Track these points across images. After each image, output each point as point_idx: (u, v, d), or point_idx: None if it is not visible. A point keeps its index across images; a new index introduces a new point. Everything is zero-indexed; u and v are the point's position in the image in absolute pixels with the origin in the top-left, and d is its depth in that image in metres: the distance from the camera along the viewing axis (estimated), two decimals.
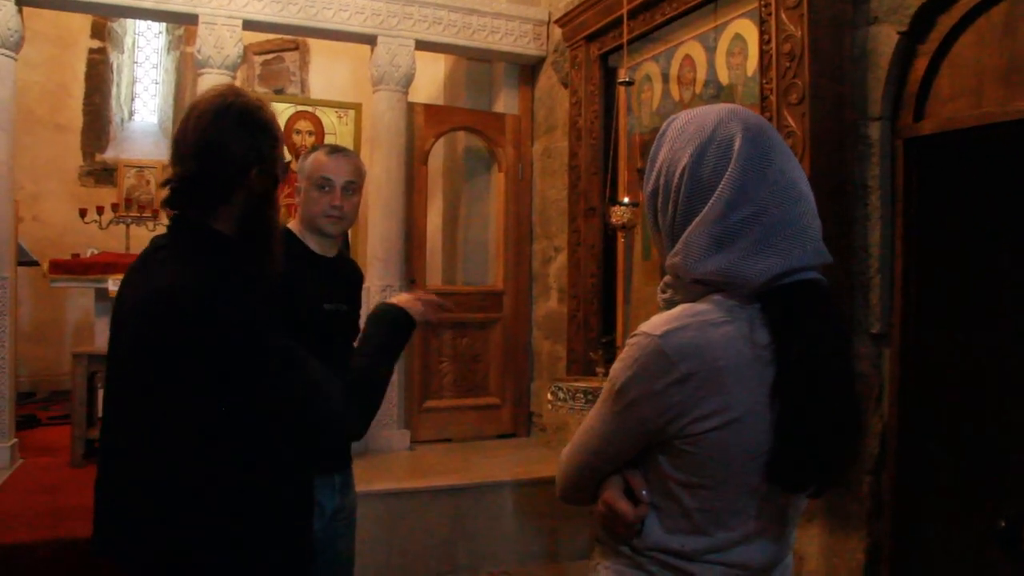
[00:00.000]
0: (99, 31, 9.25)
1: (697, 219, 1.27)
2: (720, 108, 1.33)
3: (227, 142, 1.70)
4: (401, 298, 2.06)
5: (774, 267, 1.22)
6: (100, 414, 5.27)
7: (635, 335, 1.27)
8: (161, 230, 1.85)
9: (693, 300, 1.28)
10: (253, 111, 1.75)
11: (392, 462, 5.05)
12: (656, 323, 1.25)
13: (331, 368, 2.33)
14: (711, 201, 1.25)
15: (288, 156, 5.15)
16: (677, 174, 1.30)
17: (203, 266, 1.67)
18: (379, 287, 5.29)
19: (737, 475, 1.23)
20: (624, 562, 1.34)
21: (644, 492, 1.30)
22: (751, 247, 1.23)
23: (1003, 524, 1.63)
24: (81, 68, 9.16)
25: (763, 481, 1.23)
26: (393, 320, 2.00)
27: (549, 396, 3.60)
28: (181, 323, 1.61)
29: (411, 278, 5.56)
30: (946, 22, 2.72)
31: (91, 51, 9.23)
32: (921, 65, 2.81)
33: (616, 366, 1.29)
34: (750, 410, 1.20)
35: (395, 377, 5.22)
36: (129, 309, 1.76)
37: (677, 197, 1.30)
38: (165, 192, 1.76)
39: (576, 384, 3.55)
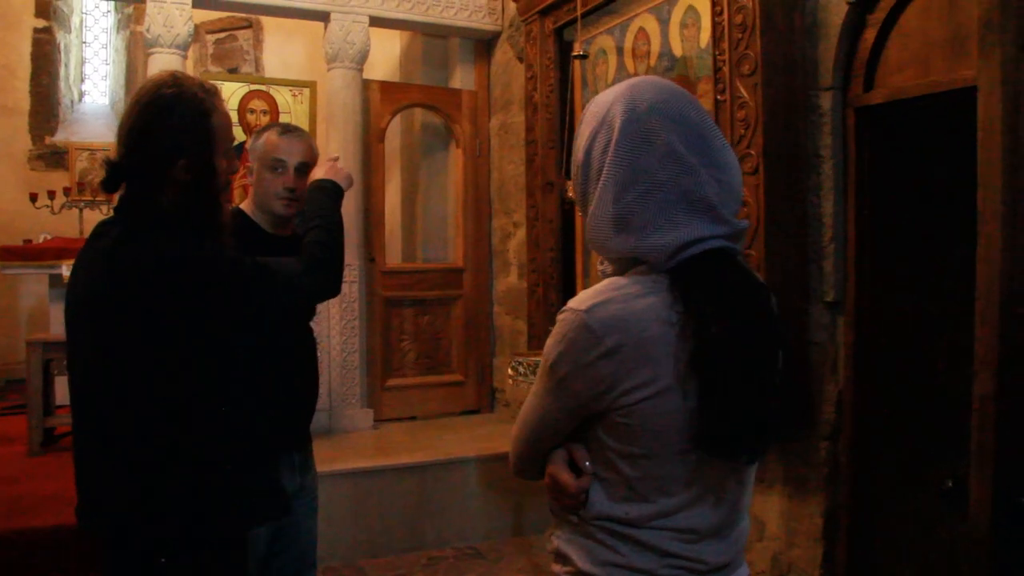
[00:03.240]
0: (43, 10, 9.02)
1: (594, 202, 1.31)
2: (619, 88, 1.35)
3: (149, 133, 1.77)
4: (321, 171, 2.39)
5: (673, 241, 1.24)
6: (57, 402, 5.24)
7: (563, 311, 1.30)
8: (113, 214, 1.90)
9: (622, 272, 1.32)
10: (183, 103, 1.79)
11: (356, 441, 5.05)
12: (582, 298, 1.28)
13: (292, 354, 2.41)
14: (601, 183, 1.29)
15: (243, 136, 5.08)
16: (581, 158, 1.36)
17: (147, 231, 1.75)
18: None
19: (671, 443, 1.25)
20: (574, 531, 1.36)
21: (587, 464, 1.33)
22: (649, 224, 1.25)
23: (950, 484, 1.67)
24: (26, 48, 8.93)
25: (695, 448, 1.25)
26: (323, 189, 2.31)
27: (510, 371, 3.61)
28: (125, 273, 1.70)
29: (371, 256, 5.53)
30: None
31: (36, 31, 9.00)
32: (870, 35, 2.84)
33: (548, 343, 1.32)
34: (677, 380, 1.23)
35: (356, 356, 5.22)
36: (78, 278, 1.83)
37: (584, 180, 1.35)
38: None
39: (536, 358, 3.56)
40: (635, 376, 1.23)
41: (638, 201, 1.26)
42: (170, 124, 1.77)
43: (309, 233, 2.18)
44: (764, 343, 1.28)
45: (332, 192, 2.32)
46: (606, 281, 1.30)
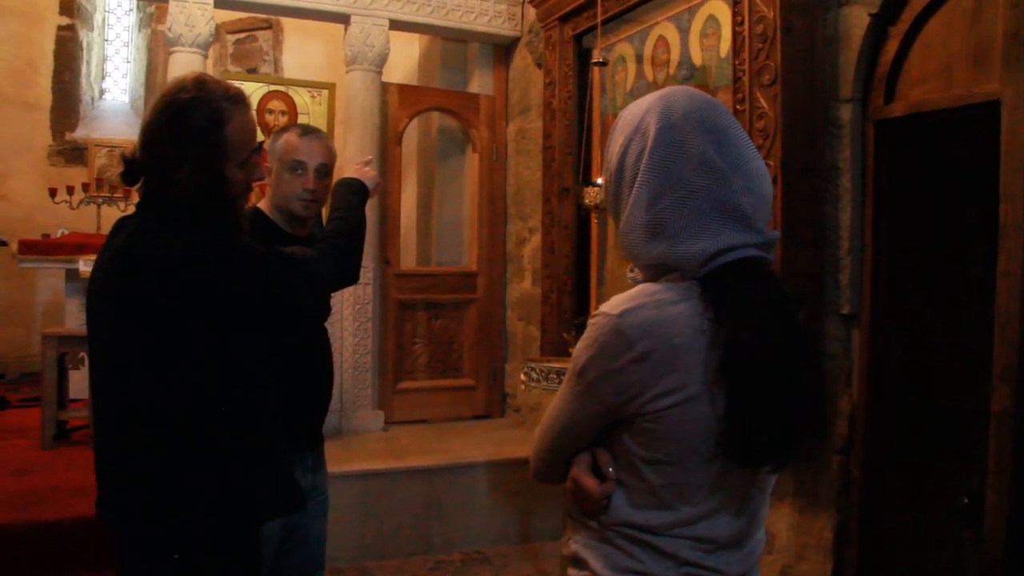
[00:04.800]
0: (67, 7, 9.10)
1: (627, 209, 1.32)
2: (653, 97, 1.36)
3: (156, 139, 1.78)
4: (351, 172, 2.45)
5: (706, 249, 1.25)
6: (71, 396, 5.26)
7: (595, 316, 1.30)
8: (132, 211, 1.91)
9: (654, 279, 1.32)
10: (197, 110, 1.77)
11: (366, 443, 5.05)
12: (614, 303, 1.28)
13: (307, 352, 2.42)
14: (635, 190, 1.30)
15: (261, 136, 5.10)
16: (615, 166, 1.36)
17: (161, 224, 1.76)
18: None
19: (696, 451, 1.25)
20: (593, 536, 1.37)
21: (611, 469, 1.33)
22: (682, 232, 1.26)
23: (966, 500, 1.66)
24: (50, 45, 9.01)
25: (720, 456, 1.25)
26: (349, 186, 2.36)
27: (522, 376, 3.61)
28: (138, 265, 1.72)
29: (385, 259, 5.54)
30: (916, 4, 2.73)
31: (60, 28, 9.08)
32: (892, 47, 2.82)
33: (578, 347, 1.32)
34: (705, 387, 1.23)
35: (369, 358, 5.23)
36: (97, 273, 1.84)
37: (616, 188, 1.36)
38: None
39: (549, 364, 3.56)
40: (664, 382, 1.23)
41: (672, 208, 1.27)
42: (179, 130, 1.76)
43: (329, 223, 2.23)
44: (793, 353, 1.27)
45: (358, 189, 2.37)
46: (639, 287, 1.31)
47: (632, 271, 1.40)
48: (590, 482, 1.33)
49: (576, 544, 1.40)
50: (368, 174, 2.45)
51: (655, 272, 1.32)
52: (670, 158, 1.28)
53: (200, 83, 1.82)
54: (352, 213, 2.27)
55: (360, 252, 2.28)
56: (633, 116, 1.35)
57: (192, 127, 1.76)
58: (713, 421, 1.23)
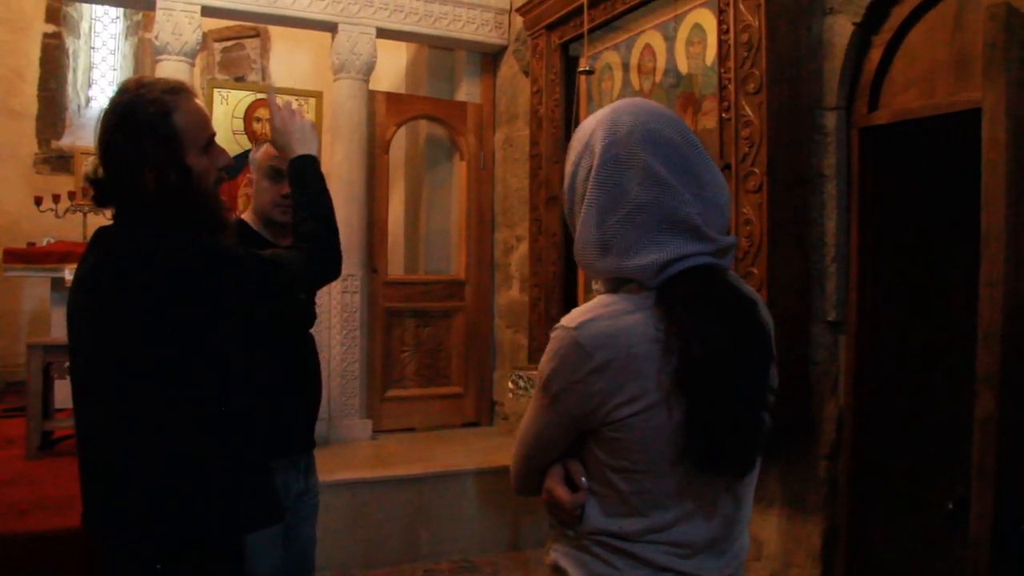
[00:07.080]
0: (53, 15, 9.08)
1: (579, 226, 1.35)
2: (602, 113, 1.39)
3: (112, 146, 1.76)
4: (280, 122, 2.18)
5: (655, 261, 1.27)
6: (57, 406, 5.23)
7: (555, 329, 1.33)
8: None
9: (614, 290, 1.34)
10: (141, 107, 1.76)
11: (354, 451, 5.04)
12: (572, 316, 1.31)
13: (292, 356, 2.41)
14: (585, 208, 1.33)
15: (248, 144, 5.10)
16: (567, 183, 1.39)
17: (142, 233, 1.76)
18: (340, 276, 5.24)
19: (661, 457, 1.27)
20: (570, 544, 1.38)
21: (583, 479, 1.35)
22: (632, 246, 1.28)
23: (951, 506, 1.67)
24: (35, 53, 8.99)
25: (685, 462, 1.27)
26: (300, 170, 2.13)
27: (510, 385, 3.61)
28: (122, 278, 1.71)
29: (373, 267, 5.53)
30: (899, 13, 2.75)
31: (46, 36, 9.06)
32: (875, 56, 2.85)
33: (542, 361, 1.36)
34: (664, 394, 1.24)
35: (357, 366, 5.21)
36: (78, 285, 1.82)
37: (571, 205, 1.39)
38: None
39: (536, 373, 3.55)
40: (625, 391, 1.25)
41: (620, 224, 1.29)
42: (129, 130, 1.74)
43: (297, 216, 2.09)
44: (750, 357, 1.29)
45: (311, 169, 2.14)
46: (596, 299, 1.33)
47: (596, 283, 1.43)
48: (562, 492, 1.36)
49: (556, 553, 1.42)
50: (296, 128, 2.18)
51: (614, 284, 1.35)
52: (616, 175, 1.30)
53: (138, 83, 1.81)
54: (318, 204, 2.10)
55: (337, 240, 2.12)
56: (583, 133, 1.38)
57: (140, 124, 1.74)
58: (674, 428, 1.25)
